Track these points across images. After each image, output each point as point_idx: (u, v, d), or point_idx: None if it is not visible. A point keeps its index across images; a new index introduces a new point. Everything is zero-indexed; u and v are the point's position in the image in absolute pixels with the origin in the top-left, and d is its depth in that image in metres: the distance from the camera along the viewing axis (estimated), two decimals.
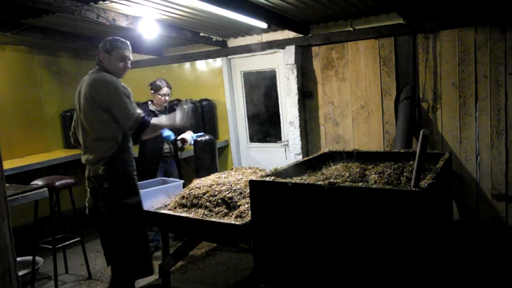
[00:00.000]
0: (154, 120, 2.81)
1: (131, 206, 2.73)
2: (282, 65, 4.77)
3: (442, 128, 4.10)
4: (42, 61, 5.19)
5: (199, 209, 2.81)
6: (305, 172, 2.95)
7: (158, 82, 4.18)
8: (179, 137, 3.81)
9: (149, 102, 4.32)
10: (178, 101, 5.38)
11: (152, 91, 4.22)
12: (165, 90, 4.16)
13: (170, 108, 4.35)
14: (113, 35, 4.70)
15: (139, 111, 2.70)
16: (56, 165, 4.69)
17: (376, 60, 4.31)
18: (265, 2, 3.50)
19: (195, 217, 2.73)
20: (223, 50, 5.14)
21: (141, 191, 3.13)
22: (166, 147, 4.25)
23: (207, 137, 4.04)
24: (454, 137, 4.05)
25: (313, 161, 3.16)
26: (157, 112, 4.25)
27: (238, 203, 2.73)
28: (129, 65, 2.91)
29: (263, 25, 3.98)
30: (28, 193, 3.05)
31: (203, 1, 3.09)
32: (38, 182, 3.46)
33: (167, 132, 3.67)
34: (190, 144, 3.85)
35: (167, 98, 4.20)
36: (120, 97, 2.63)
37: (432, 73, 4.07)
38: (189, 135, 3.83)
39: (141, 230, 2.80)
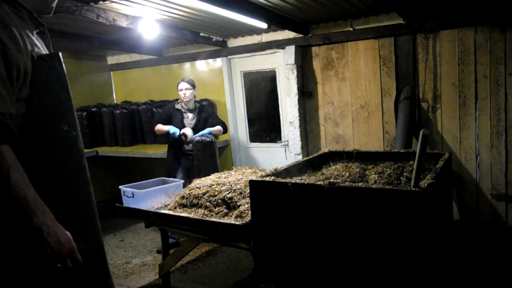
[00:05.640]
0: None
1: None
2: (282, 65, 4.77)
3: (442, 128, 4.10)
4: None
5: (199, 209, 2.81)
6: (305, 172, 2.95)
7: (180, 80, 4.34)
8: (181, 132, 4.15)
9: (178, 101, 4.45)
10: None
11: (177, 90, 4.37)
12: (180, 85, 4.28)
13: (200, 108, 4.46)
14: (113, 35, 4.76)
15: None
16: None
17: (376, 60, 4.31)
18: (265, 2, 3.50)
19: (195, 217, 2.73)
20: (223, 50, 5.14)
21: (141, 191, 3.15)
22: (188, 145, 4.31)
23: (206, 138, 4.06)
24: (454, 137, 4.06)
25: (313, 161, 3.16)
26: (183, 111, 4.35)
27: (238, 203, 2.73)
28: None
29: (263, 25, 3.98)
30: None
31: (203, 1, 3.09)
32: None
33: (172, 129, 4.15)
34: (192, 138, 4.15)
35: (185, 93, 4.27)
36: None
37: (432, 73, 4.07)
38: (188, 130, 4.15)
39: None
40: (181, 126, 4.29)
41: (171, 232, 4.28)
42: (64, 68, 1.52)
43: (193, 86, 4.35)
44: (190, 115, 4.39)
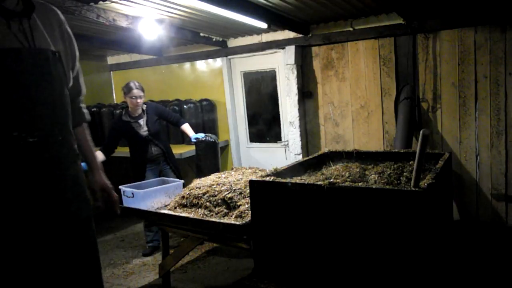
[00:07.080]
0: None
1: None
2: (282, 65, 4.77)
3: (442, 128, 4.10)
4: None
5: (199, 209, 2.81)
6: (305, 172, 2.95)
7: (130, 83, 3.95)
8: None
9: (123, 111, 4.09)
10: (179, 101, 5.39)
11: (124, 94, 3.99)
12: (135, 92, 3.91)
13: (146, 110, 4.07)
14: (113, 35, 4.76)
15: None
16: None
17: (376, 60, 4.31)
18: (265, 2, 3.50)
19: (195, 217, 2.73)
20: (223, 50, 5.14)
21: (141, 191, 3.15)
22: (153, 149, 4.09)
23: (209, 138, 4.01)
24: (454, 137, 4.05)
25: (313, 161, 3.15)
26: (132, 121, 4.01)
27: (238, 203, 2.73)
28: None
29: (263, 25, 3.98)
30: None
31: (203, 1, 3.09)
32: None
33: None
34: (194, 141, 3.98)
35: (138, 100, 3.94)
36: None
37: (432, 73, 4.07)
38: None
39: None
40: (137, 138, 4.00)
41: (151, 236, 4.28)
42: (27, 65, 1.37)
43: (144, 90, 4.02)
44: (142, 122, 4.05)
